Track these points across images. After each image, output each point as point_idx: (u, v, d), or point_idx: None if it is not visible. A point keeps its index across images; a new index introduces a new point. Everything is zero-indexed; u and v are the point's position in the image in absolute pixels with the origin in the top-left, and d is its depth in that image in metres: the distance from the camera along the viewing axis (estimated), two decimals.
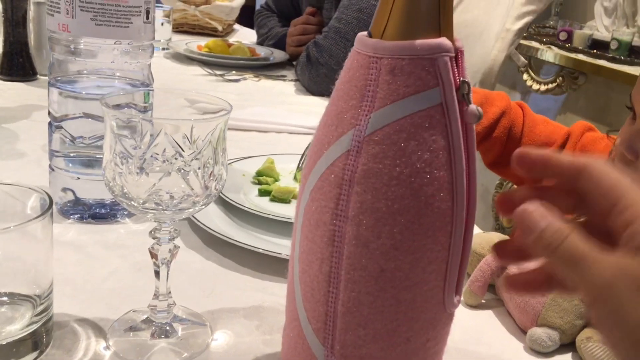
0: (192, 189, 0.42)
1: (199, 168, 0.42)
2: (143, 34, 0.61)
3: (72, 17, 0.57)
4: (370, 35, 0.35)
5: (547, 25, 2.33)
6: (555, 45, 2.01)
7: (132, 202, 0.42)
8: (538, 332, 0.51)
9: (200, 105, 0.48)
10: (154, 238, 0.44)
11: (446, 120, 0.34)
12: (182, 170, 0.42)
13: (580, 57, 1.87)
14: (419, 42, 0.33)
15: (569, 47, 1.95)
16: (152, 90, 0.64)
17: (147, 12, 0.61)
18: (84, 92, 0.61)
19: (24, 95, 1.06)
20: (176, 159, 0.42)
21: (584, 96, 1.94)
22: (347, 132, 0.34)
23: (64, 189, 0.64)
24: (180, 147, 0.42)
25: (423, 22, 0.34)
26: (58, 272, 0.53)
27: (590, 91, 1.91)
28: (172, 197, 0.41)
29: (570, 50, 1.94)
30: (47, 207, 0.42)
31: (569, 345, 0.52)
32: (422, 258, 0.35)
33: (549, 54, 1.98)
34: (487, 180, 1.82)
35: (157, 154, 0.42)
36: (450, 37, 0.35)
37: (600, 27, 1.96)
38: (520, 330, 0.54)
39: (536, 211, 0.30)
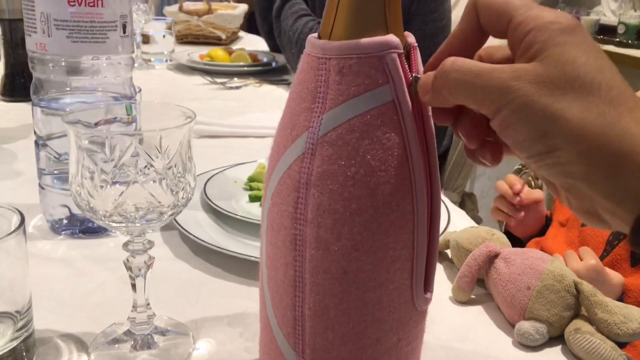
0: (159, 201, 0.42)
1: (163, 179, 0.42)
2: (121, 48, 0.61)
3: (48, 36, 0.58)
4: (319, 37, 0.35)
5: None
6: None
7: (99, 216, 0.42)
8: (525, 325, 0.50)
9: (177, 113, 0.48)
10: (127, 251, 0.45)
11: (399, 117, 0.33)
12: (152, 181, 0.42)
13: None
14: (365, 40, 0.33)
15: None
16: (134, 102, 0.65)
17: (124, 26, 0.61)
18: (67, 109, 0.62)
19: (26, 115, 1.07)
20: (148, 169, 0.42)
21: None
22: (301, 134, 0.34)
23: (60, 206, 0.65)
24: (150, 157, 0.42)
25: (369, 21, 0.33)
26: (45, 289, 0.54)
27: None
28: (137, 209, 0.42)
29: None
30: (18, 224, 0.42)
31: (557, 338, 0.51)
32: (384, 257, 0.34)
33: None
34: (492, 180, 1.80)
35: (129, 166, 0.42)
36: (400, 33, 0.34)
37: (607, 11, 1.93)
38: (510, 325, 0.53)
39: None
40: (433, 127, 0.36)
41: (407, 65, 0.34)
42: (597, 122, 0.27)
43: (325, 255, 0.34)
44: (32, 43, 0.59)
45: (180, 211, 0.44)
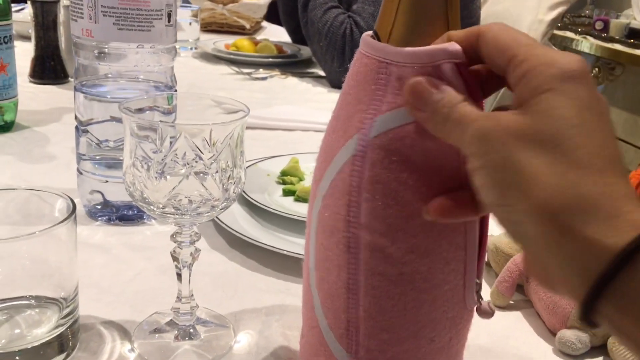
0: (211, 194, 0.42)
1: (217, 172, 0.42)
2: (165, 37, 0.61)
3: (95, 22, 0.58)
4: (376, 35, 0.34)
5: (583, 14, 2.27)
6: (591, 35, 1.95)
7: (152, 207, 0.42)
8: (568, 334, 0.50)
9: (227, 106, 0.48)
10: (175, 242, 0.45)
11: None
12: (201, 174, 0.42)
13: (617, 47, 1.81)
14: (423, 49, 0.32)
15: (605, 36, 1.90)
16: (175, 92, 0.65)
17: (169, 15, 0.61)
18: (108, 96, 0.62)
19: (56, 98, 1.09)
20: (196, 162, 0.42)
21: (621, 87, 1.88)
22: (352, 136, 0.34)
23: (93, 192, 0.65)
24: (200, 150, 0.42)
25: (431, 24, 0.33)
26: (84, 275, 0.54)
27: (628, 82, 1.85)
28: (190, 202, 0.42)
29: (607, 40, 1.89)
30: (70, 212, 0.43)
31: (599, 347, 0.50)
32: (439, 259, 0.34)
33: (585, 44, 1.93)
34: None
35: (177, 158, 0.42)
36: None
37: (638, 15, 1.90)
38: (550, 332, 0.53)
39: (428, 82, 0.30)
40: None
41: (467, 72, 0.33)
42: (553, 181, 0.25)
43: (381, 258, 0.34)
44: (77, 29, 0.59)
45: (231, 205, 0.44)
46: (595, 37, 1.94)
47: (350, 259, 0.35)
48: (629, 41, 1.81)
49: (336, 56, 1.33)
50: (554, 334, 0.51)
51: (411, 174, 0.33)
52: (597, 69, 1.93)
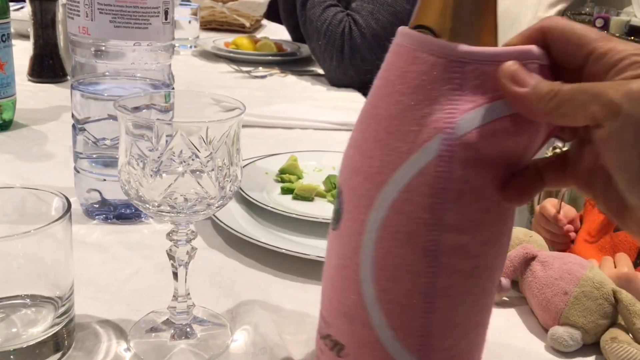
0: (207, 192, 0.42)
1: (212, 170, 0.42)
2: (162, 34, 0.61)
3: (92, 20, 0.58)
4: (429, 30, 0.33)
5: (583, 12, 2.26)
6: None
7: (147, 205, 0.42)
8: (560, 331, 0.50)
9: (225, 104, 0.48)
10: (171, 240, 0.45)
11: (533, 124, 0.33)
12: (197, 172, 0.42)
13: None
14: (507, 49, 0.32)
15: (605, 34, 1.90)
16: (173, 90, 0.64)
17: (166, 13, 0.61)
18: (105, 94, 0.62)
19: (54, 97, 1.09)
20: (193, 160, 0.42)
21: None
22: (432, 138, 0.32)
23: (90, 190, 0.65)
24: (196, 148, 0.42)
25: (485, 17, 0.32)
26: (81, 273, 0.54)
27: None
28: (186, 200, 0.41)
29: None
30: (65, 210, 0.43)
31: (592, 345, 0.50)
32: (501, 246, 0.35)
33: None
34: None
35: (174, 156, 0.42)
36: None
37: (638, 12, 1.90)
38: (543, 329, 0.53)
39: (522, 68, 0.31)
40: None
41: (550, 75, 0.32)
42: None
43: (460, 256, 0.34)
44: (74, 26, 0.59)
45: (227, 203, 0.44)
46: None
47: (429, 263, 0.33)
48: (630, 38, 1.81)
49: (335, 54, 1.33)
50: (547, 331, 0.51)
51: (493, 169, 0.33)
52: None
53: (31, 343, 0.42)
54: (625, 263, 0.77)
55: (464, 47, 0.31)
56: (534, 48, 0.32)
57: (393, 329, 0.35)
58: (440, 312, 0.34)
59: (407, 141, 0.32)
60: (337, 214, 0.36)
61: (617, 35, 1.88)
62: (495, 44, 0.33)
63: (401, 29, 0.33)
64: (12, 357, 0.41)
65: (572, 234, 1.00)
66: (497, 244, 0.35)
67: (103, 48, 0.60)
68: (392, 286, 0.34)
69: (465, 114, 0.31)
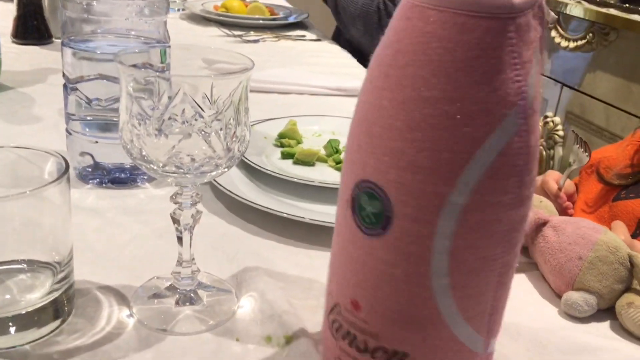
0: (214, 151, 0.40)
1: (221, 129, 0.39)
2: None
3: None
4: None
5: None
6: (586, 0, 1.92)
7: (152, 166, 0.39)
8: (574, 296, 0.49)
9: (219, 66, 0.45)
10: (175, 203, 0.43)
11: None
12: (203, 132, 0.40)
13: (612, 11, 1.78)
14: None
15: (599, 1, 1.87)
16: (169, 47, 0.61)
17: None
18: (98, 52, 0.59)
19: (39, 59, 1.05)
20: (196, 119, 0.40)
21: (615, 53, 1.86)
22: (507, 114, 0.29)
23: (82, 153, 0.62)
24: (200, 107, 0.39)
25: None
26: (78, 239, 0.51)
27: (622, 48, 1.83)
28: (193, 160, 0.39)
29: (601, 4, 1.86)
30: (63, 171, 0.40)
31: (606, 310, 0.49)
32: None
33: (578, 9, 1.90)
34: None
35: (176, 115, 0.39)
36: None
37: None
38: (555, 295, 0.52)
39: None
40: None
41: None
42: None
43: (523, 229, 0.33)
44: None
45: (234, 164, 0.42)
46: (589, 1, 1.91)
47: (506, 245, 0.32)
48: (624, 5, 1.79)
49: (374, 33, 1.29)
50: (560, 297, 0.50)
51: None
52: (590, 35, 1.91)
53: (30, 309, 0.40)
54: (621, 231, 0.76)
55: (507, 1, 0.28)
56: None
57: (467, 320, 0.33)
58: (505, 287, 0.34)
59: (479, 123, 0.29)
60: (380, 218, 0.31)
61: (612, 2, 1.85)
62: None
63: None
64: (10, 323, 0.39)
65: (571, 211, 0.99)
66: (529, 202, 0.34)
67: (95, 3, 0.57)
68: (469, 279, 0.32)
69: (529, 78, 0.29)
